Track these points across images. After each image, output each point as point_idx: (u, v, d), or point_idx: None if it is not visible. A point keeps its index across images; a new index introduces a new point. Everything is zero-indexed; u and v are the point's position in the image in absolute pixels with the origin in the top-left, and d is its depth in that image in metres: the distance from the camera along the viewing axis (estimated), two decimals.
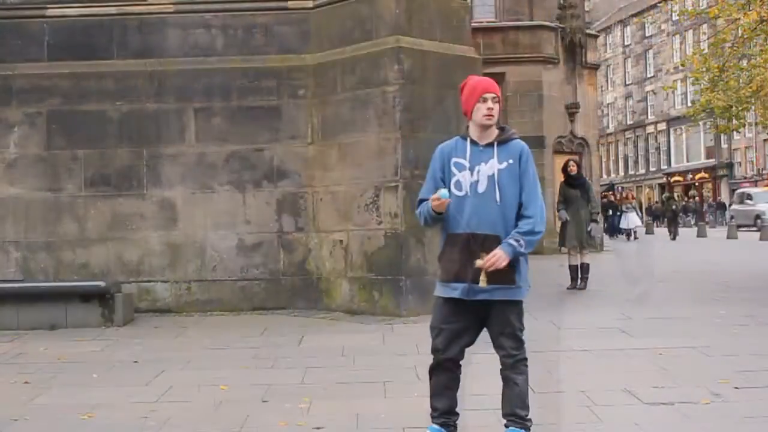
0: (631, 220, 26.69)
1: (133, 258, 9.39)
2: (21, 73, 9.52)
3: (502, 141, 3.72)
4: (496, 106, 3.74)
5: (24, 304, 8.22)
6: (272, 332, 7.79)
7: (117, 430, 4.46)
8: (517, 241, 3.57)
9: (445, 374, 3.77)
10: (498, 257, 3.54)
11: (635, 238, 26.69)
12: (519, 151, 3.69)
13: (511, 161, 3.66)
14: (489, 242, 3.60)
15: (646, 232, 30.46)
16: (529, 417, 3.70)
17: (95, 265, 9.36)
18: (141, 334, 7.87)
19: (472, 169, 3.67)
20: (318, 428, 4.39)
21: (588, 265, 10.94)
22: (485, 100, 3.73)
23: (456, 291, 3.66)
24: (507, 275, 3.62)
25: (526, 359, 3.73)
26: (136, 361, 6.44)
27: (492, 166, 3.66)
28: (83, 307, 8.25)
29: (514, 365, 3.69)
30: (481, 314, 3.70)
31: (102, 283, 8.35)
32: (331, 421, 4.51)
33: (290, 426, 4.46)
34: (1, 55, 9.60)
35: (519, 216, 3.64)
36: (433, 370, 3.79)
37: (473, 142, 3.74)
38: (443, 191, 3.61)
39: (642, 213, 30.25)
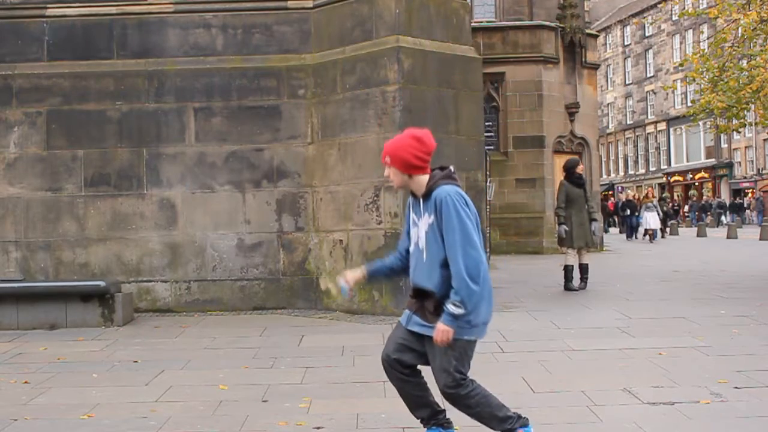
0: (651, 220, 24.77)
1: (132, 258, 9.40)
2: (21, 72, 9.52)
3: (426, 194, 3.62)
4: (389, 171, 3.66)
5: (24, 304, 8.23)
6: (272, 332, 7.79)
7: (117, 430, 4.46)
8: (453, 304, 3.46)
9: (403, 383, 3.76)
10: (441, 332, 3.49)
11: (653, 239, 24.73)
12: (437, 203, 3.52)
13: (433, 216, 3.56)
14: (423, 294, 3.62)
15: (669, 233, 29.00)
16: (512, 420, 3.65)
17: (95, 265, 9.37)
18: (141, 334, 7.87)
19: (417, 225, 3.67)
20: (318, 428, 4.39)
21: (587, 265, 10.94)
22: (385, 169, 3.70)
23: (403, 317, 3.77)
24: (436, 312, 3.56)
25: (469, 393, 3.59)
26: (136, 361, 6.44)
27: (425, 221, 3.62)
28: (83, 307, 8.26)
29: (454, 401, 3.63)
30: (423, 344, 3.67)
31: (102, 283, 8.34)
32: (331, 421, 4.51)
33: (290, 426, 4.46)
34: (1, 55, 9.60)
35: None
36: (391, 381, 3.81)
37: (414, 197, 3.72)
38: (342, 288, 3.98)
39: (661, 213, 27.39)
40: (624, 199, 29.83)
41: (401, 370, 3.73)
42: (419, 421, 3.87)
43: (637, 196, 29.91)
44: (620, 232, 34.99)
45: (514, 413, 3.68)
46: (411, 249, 3.72)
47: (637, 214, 26.50)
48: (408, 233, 3.78)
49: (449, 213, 3.49)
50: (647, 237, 24.89)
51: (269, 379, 5.63)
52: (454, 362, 3.55)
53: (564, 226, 10.60)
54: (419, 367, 3.79)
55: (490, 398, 3.65)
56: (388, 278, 3.98)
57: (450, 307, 3.46)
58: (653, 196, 25.97)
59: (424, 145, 3.63)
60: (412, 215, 3.73)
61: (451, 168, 3.71)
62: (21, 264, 9.39)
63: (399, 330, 3.78)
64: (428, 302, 3.60)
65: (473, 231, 3.50)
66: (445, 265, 3.52)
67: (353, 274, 3.87)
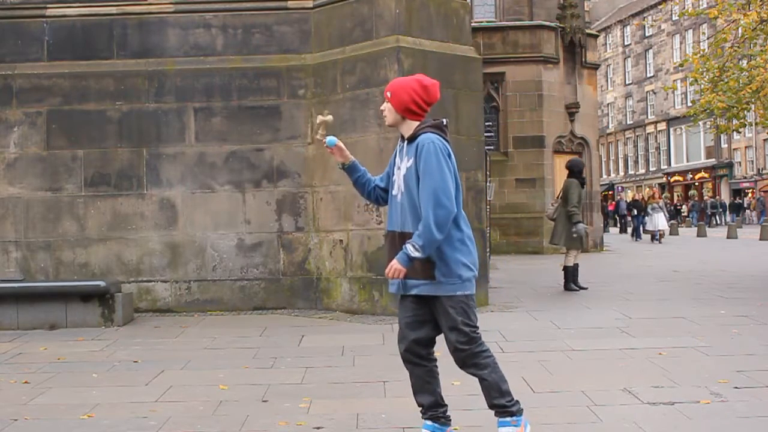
0: (658, 221, 24.10)
1: (133, 258, 9.40)
2: (21, 72, 9.53)
3: (411, 138, 3.65)
4: (385, 106, 3.71)
5: (24, 303, 8.23)
6: (272, 332, 7.79)
7: (117, 430, 4.46)
8: (413, 245, 3.49)
9: (415, 368, 3.77)
10: (393, 269, 3.54)
11: (659, 241, 24.04)
12: (419, 147, 3.55)
13: (413, 159, 3.59)
14: (403, 239, 3.61)
15: (669, 233, 28.15)
16: (511, 401, 3.67)
17: (95, 265, 9.37)
18: (141, 334, 7.87)
19: (399, 168, 3.69)
20: (318, 428, 4.39)
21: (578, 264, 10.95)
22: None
23: (393, 287, 3.75)
24: (424, 271, 3.58)
25: (482, 352, 3.62)
26: (136, 361, 6.44)
27: (404, 165, 3.65)
28: (83, 307, 8.25)
29: (465, 360, 3.63)
30: (429, 309, 3.69)
31: (102, 283, 8.34)
32: (331, 421, 4.51)
33: (290, 426, 4.46)
34: (1, 55, 9.61)
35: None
36: (405, 365, 3.81)
37: (402, 138, 3.75)
38: (329, 138, 3.78)
39: (667, 213, 26.64)
40: (631, 199, 29.35)
41: (419, 351, 3.72)
42: (418, 407, 3.84)
43: (643, 197, 29.27)
44: (620, 232, 34.95)
45: (513, 396, 3.72)
46: (393, 193, 3.73)
47: (643, 214, 26.05)
48: (388, 175, 3.81)
49: (429, 158, 3.52)
50: (655, 237, 24.29)
51: (269, 379, 5.63)
52: (459, 318, 3.58)
53: (583, 225, 10.52)
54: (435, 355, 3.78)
55: (498, 367, 3.68)
56: (357, 182, 3.92)
57: (409, 248, 3.49)
58: (660, 197, 25.47)
59: (428, 94, 3.67)
60: (397, 159, 3.75)
61: (444, 121, 3.75)
62: (21, 264, 9.39)
63: (401, 312, 3.77)
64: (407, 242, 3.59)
65: (450, 180, 3.53)
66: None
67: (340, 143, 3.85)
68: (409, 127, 3.66)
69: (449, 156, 3.58)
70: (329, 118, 3.92)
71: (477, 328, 3.63)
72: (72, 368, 6.22)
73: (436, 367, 3.80)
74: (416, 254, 3.48)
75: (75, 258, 9.39)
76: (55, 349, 7.02)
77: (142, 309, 9.19)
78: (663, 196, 37.74)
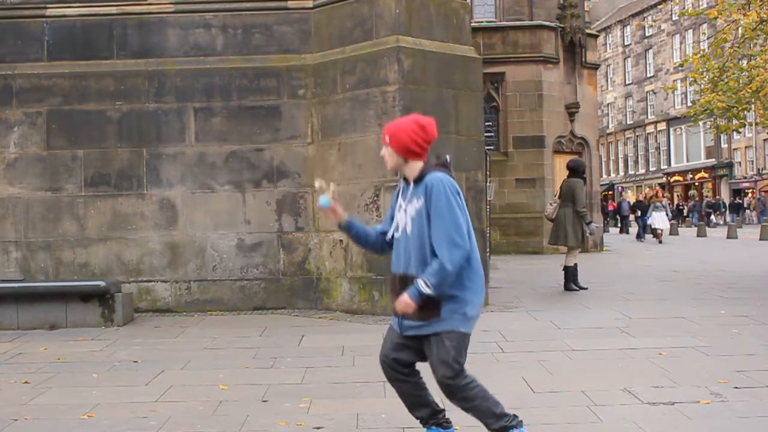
0: (659, 219, 23.87)
1: (133, 258, 9.40)
2: (21, 73, 9.53)
3: (418, 179, 3.62)
4: (385, 150, 3.68)
5: (24, 303, 8.23)
6: (272, 332, 7.79)
7: (117, 430, 4.46)
8: (425, 282, 3.46)
9: (401, 384, 3.76)
10: (404, 304, 3.50)
11: (659, 239, 23.99)
12: (427, 188, 3.52)
13: (422, 199, 3.56)
14: (406, 282, 3.58)
15: (669, 233, 27.99)
16: (509, 420, 3.64)
17: (95, 265, 9.37)
18: (141, 334, 7.87)
19: (405, 211, 3.66)
20: (318, 428, 4.39)
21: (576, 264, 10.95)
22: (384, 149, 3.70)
23: (394, 321, 3.75)
24: (429, 312, 3.55)
25: (468, 384, 3.59)
26: (136, 361, 6.44)
27: (413, 206, 3.61)
28: (83, 307, 8.25)
29: (453, 393, 3.59)
30: (419, 339, 3.66)
31: (102, 283, 8.34)
32: (331, 421, 4.51)
33: (290, 426, 4.46)
34: (1, 55, 9.61)
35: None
36: (390, 383, 3.80)
37: (406, 181, 3.71)
38: (322, 199, 3.70)
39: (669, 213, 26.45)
40: (635, 200, 29.02)
41: (400, 369, 3.73)
42: (418, 420, 3.86)
43: (646, 196, 28.94)
44: (620, 232, 34.90)
45: (509, 412, 3.68)
46: (396, 236, 3.69)
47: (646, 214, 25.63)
48: (392, 218, 3.77)
49: (439, 198, 3.50)
50: (656, 237, 24.10)
51: (269, 379, 5.63)
52: (453, 353, 3.55)
53: (595, 225, 10.49)
54: (417, 367, 3.78)
55: (487, 393, 3.64)
56: (357, 239, 3.85)
57: (421, 284, 3.46)
58: (663, 196, 25.11)
59: (426, 133, 3.64)
60: (400, 200, 3.72)
61: (447, 158, 3.73)
62: (21, 264, 9.39)
63: (392, 332, 3.78)
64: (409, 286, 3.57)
65: (461, 219, 3.51)
66: (433, 251, 3.52)
67: (339, 206, 3.79)
68: (412, 168, 3.65)
69: (458, 194, 3.57)
70: (319, 184, 3.92)
71: (464, 368, 3.61)
72: (72, 368, 6.22)
73: (422, 378, 3.79)
74: (427, 291, 3.46)
75: (75, 258, 9.39)
76: (55, 349, 7.02)
77: (142, 309, 9.19)
78: (665, 195, 37.49)
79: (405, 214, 3.64)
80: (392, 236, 3.74)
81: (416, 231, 3.57)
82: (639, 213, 26.58)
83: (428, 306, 3.54)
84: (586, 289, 10.71)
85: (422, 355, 3.69)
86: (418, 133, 3.61)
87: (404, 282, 3.58)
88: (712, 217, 43.12)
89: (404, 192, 3.71)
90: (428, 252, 3.54)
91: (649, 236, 25.39)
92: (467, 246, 3.49)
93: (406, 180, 3.71)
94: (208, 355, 6.70)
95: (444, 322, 3.55)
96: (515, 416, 3.68)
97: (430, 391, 3.82)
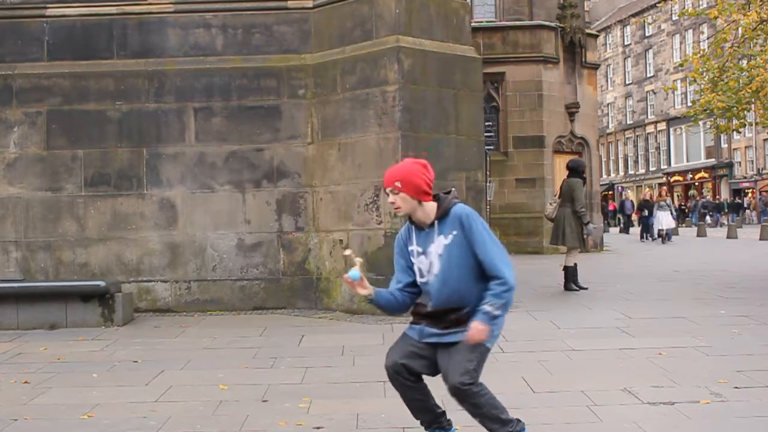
0: (664, 220, 23.42)
1: (133, 258, 9.40)
2: (21, 72, 9.53)
3: (441, 217, 3.64)
4: (397, 198, 3.64)
5: (24, 303, 8.23)
6: (272, 332, 7.79)
7: (117, 430, 4.46)
8: (492, 305, 3.50)
9: (405, 390, 3.76)
10: (478, 331, 3.50)
11: (664, 240, 23.44)
12: (458, 219, 3.59)
13: (454, 232, 3.59)
14: (446, 314, 3.62)
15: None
16: (513, 426, 3.65)
17: (95, 265, 9.37)
18: (141, 334, 7.88)
19: (426, 253, 3.66)
20: (318, 428, 4.39)
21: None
22: (387, 195, 3.69)
23: (411, 331, 3.77)
24: (457, 322, 3.60)
25: (479, 391, 3.59)
26: (136, 361, 6.44)
27: (439, 243, 3.62)
28: (83, 307, 8.26)
29: (464, 398, 3.58)
30: (435, 352, 3.68)
31: (102, 283, 8.34)
32: (331, 421, 4.51)
33: (290, 426, 4.46)
34: (1, 55, 9.61)
35: (487, 278, 3.58)
36: (394, 386, 3.79)
37: (417, 228, 3.71)
38: (352, 272, 3.65)
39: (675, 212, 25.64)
40: (642, 199, 28.08)
41: (407, 377, 3.72)
42: (420, 423, 3.87)
43: (651, 195, 28.47)
44: (621, 231, 34.87)
45: (512, 417, 3.69)
46: (424, 280, 3.69)
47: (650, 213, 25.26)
48: (408, 267, 3.75)
49: (477, 226, 3.58)
50: (660, 238, 23.69)
51: (269, 379, 5.63)
52: (475, 362, 3.58)
53: (593, 225, 10.46)
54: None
55: (495, 400, 3.66)
56: (387, 305, 3.79)
57: (488, 308, 3.50)
58: (666, 195, 24.80)
59: (429, 173, 3.68)
60: (416, 247, 3.71)
61: (453, 189, 3.78)
62: (21, 264, 9.39)
63: (407, 339, 3.76)
64: (451, 316, 3.61)
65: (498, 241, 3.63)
66: (476, 279, 3.58)
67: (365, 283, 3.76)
68: (426, 209, 3.66)
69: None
70: (350, 252, 3.85)
71: (479, 377, 3.63)
72: (72, 368, 6.22)
73: (424, 383, 3.79)
74: (497, 312, 3.52)
75: (75, 258, 9.40)
76: (55, 349, 7.02)
77: (142, 309, 9.19)
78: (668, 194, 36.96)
79: (427, 257, 3.65)
80: (420, 281, 3.73)
81: (447, 265, 3.59)
82: (646, 213, 26.07)
83: (454, 319, 3.59)
84: (586, 289, 10.70)
85: (432, 369, 3.70)
86: (426, 173, 3.66)
87: (450, 312, 3.62)
88: (720, 217, 42.74)
89: (418, 237, 3.70)
90: (467, 280, 3.59)
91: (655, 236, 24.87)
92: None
93: (415, 224, 3.71)
94: (208, 355, 6.70)
95: (464, 332, 3.56)
96: (518, 420, 3.70)
97: (432, 393, 3.82)
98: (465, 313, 3.59)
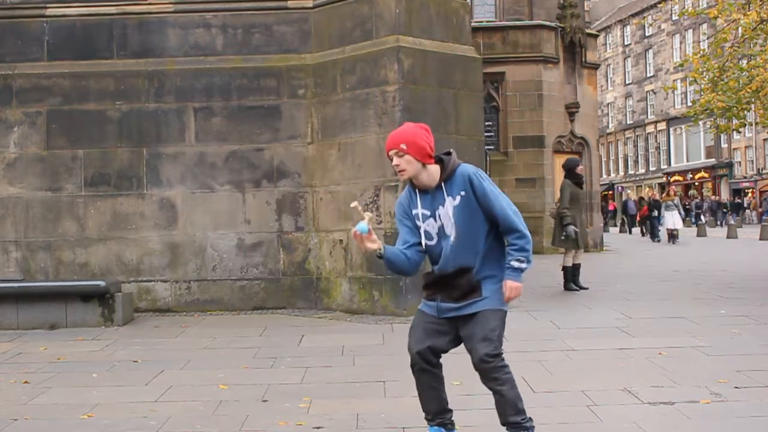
0: (673, 219, 22.64)
1: (132, 258, 9.40)
2: (21, 72, 9.52)
3: (447, 178, 3.66)
4: (402, 160, 3.63)
5: (24, 303, 8.23)
6: (272, 332, 7.79)
7: (117, 430, 4.46)
8: (519, 260, 3.61)
9: (422, 374, 3.76)
10: (513, 288, 3.60)
11: (673, 241, 22.83)
12: (467, 178, 3.62)
13: (463, 193, 3.61)
14: (461, 273, 3.64)
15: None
16: (525, 419, 3.68)
17: (95, 265, 9.37)
18: (141, 333, 7.88)
19: (434, 216, 3.67)
20: (318, 428, 4.39)
21: (580, 265, 10.94)
22: (391, 158, 3.68)
23: (427, 307, 3.77)
24: (471, 293, 3.64)
25: (504, 366, 3.63)
26: (136, 361, 6.44)
27: (447, 206, 3.64)
28: (83, 307, 8.26)
29: (488, 373, 3.60)
30: (456, 326, 3.70)
31: (102, 283, 8.34)
32: (331, 421, 4.51)
33: (290, 426, 4.46)
34: (1, 55, 9.60)
35: (501, 233, 3.66)
36: (413, 371, 3.80)
37: (422, 191, 3.71)
38: (360, 225, 3.54)
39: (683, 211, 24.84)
40: (652, 197, 27.05)
41: (431, 359, 3.73)
42: (425, 415, 3.85)
43: (655, 195, 27.50)
44: (621, 231, 34.82)
45: (527, 413, 3.72)
46: (430, 243, 3.69)
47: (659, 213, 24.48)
48: (413, 229, 3.72)
49: (486, 184, 3.64)
50: (672, 237, 22.96)
51: (269, 379, 5.63)
52: (498, 331, 3.62)
53: (573, 227, 10.53)
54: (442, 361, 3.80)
55: (515, 385, 3.69)
56: (396, 262, 3.70)
57: (516, 263, 3.61)
58: (675, 195, 24.21)
59: (431, 137, 3.71)
60: (421, 211, 3.70)
61: (453, 151, 3.79)
62: (21, 264, 9.39)
63: (425, 318, 3.76)
64: (461, 282, 3.63)
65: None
66: (487, 236, 3.64)
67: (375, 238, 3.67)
68: (430, 172, 3.66)
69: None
70: (355, 204, 3.78)
71: (502, 345, 3.67)
72: (72, 368, 6.22)
73: (442, 371, 3.80)
74: (524, 265, 3.62)
75: (75, 258, 9.39)
76: (55, 349, 7.02)
77: (142, 309, 9.19)
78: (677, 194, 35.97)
79: (436, 219, 3.66)
80: (427, 243, 3.72)
81: (463, 225, 3.62)
82: (656, 213, 25.25)
83: (466, 286, 3.62)
84: (586, 289, 10.72)
85: (456, 342, 3.73)
86: (429, 136, 3.69)
87: (460, 273, 3.64)
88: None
89: (423, 200, 3.70)
90: (479, 239, 3.63)
91: (663, 237, 24.34)
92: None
93: (418, 187, 3.70)
94: (208, 355, 6.70)
95: (487, 300, 3.62)
96: (531, 419, 3.71)
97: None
98: (475, 278, 3.61)
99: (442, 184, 3.66)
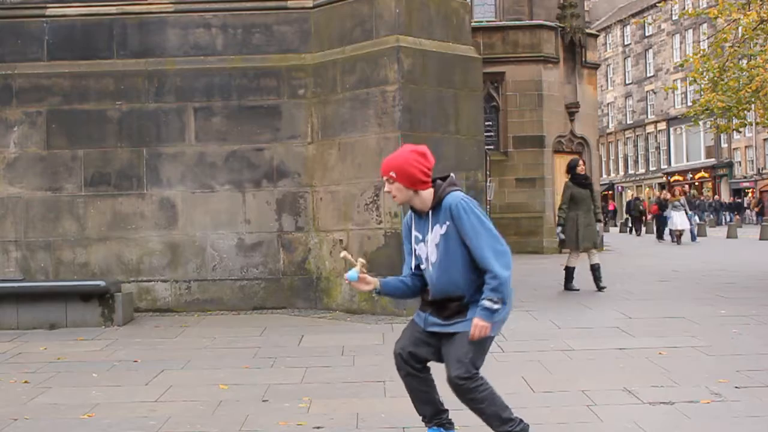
0: (679, 220, 22.22)
1: (132, 257, 9.40)
2: (21, 72, 9.52)
3: (435, 206, 3.62)
4: (393, 186, 3.62)
5: (24, 303, 8.23)
6: (272, 332, 7.79)
7: (117, 430, 4.46)
8: (491, 300, 3.48)
9: (410, 379, 3.77)
10: (479, 328, 3.50)
11: (678, 241, 22.46)
12: (452, 210, 3.53)
13: (447, 223, 3.57)
14: (445, 303, 3.63)
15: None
16: (514, 424, 3.64)
17: (95, 265, 9.37)
18: (141, 333, 7.88)
19: (424, 241, 3.66)
20: (318, 428, 4.39)
21: (599, 264, 10.90)
22: (384, 184, 3.67)
23: (417, 317, 3.79)
24: (456, 313, 3.61)
25: (479, 386, 3.58)
26: (136, 361, 6.44)
27: (436, 233, 3.61)
28: (83, 307, 8.25)
29: (462, 393, 3.58)
30: (440, 340, 3.69)
31: (102, 283, 8.34)
32: (331, 421, 4.51)
33: (290, 426, 4.46)
34: (1, 55, 9.60)
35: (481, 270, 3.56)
36: (400, 375, 3.80)
37: (417, 213, 3.71)
38: (350, 273, 3.66)
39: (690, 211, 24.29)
40: (658, 198, 27.07)
41: (414, 364, 3.74)
42: (421, 418, 3.87)
43: (666, 195, 26.66)
44: (621, 232, 34.77)
45: (516, 417, 3.68)
46: (423, 266, 3.70)
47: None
48: (411, 253, 3.77)
49: (468, 217, 3.52)
50: (676, 238, 22.64)
51: (269, 379, 5.63)
52: (471, 354, 3.57)
53: (561, 228, 10.61)
54: (429, 364, 3.80)
55: (496, 397, 3.65)
56: (396, 292, 3.80)
57: (487, 303, 3.48)
58: (681, 194, 23.87)
59: (427, 161, 3.64)
60: (415, 233, 3.72)
61: (452, 175, 3.73)
62: (21, 264, 9.39)
63: (414, 326, 3.78)
64: (451, 305, 3.62)
65: (492, 227, 3.55)
66: (470, 268, 3.55)
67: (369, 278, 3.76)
68: (423, 198, 3.63)
69: (477, 206, 3.61)
70: (344, 254, 3.83)
71: (479, 371, 3.62)
72: (72, 368, 6.22)
73: (431, 375, 3.80)
74: (496, 306, 3.49)
75: (75, 258, 9.39)
76: (55, 348, 7.02)
77: (142, 309, 9.19)
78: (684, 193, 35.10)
79: (426, 245, 3.65)
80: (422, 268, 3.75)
81: (444, 255, 3.58)
82: (663, 213, 24.72)
83: (455, 308, 3.60)
84: (577, 290, 10.67)
85: (438, 355, 3.71)
86: (422, 162, 3.61)
87: (449, 301, 3.62)
88: (734, 217, 42.29)
89: (417, 223, 3.71)
90: (461, 270, 3.57)
91: (667, 237, 24.12)
92: (508, 249, 3.54)
93: (416, 211, 3.70)
94: (208, 354, 6.70)
95: (469, 323, 3.56)
96: (521, 421, 3.69)
97: (437, 390, 3.83)
98: (465, 303, 3.59)
99: (430, 212, 3.63)
